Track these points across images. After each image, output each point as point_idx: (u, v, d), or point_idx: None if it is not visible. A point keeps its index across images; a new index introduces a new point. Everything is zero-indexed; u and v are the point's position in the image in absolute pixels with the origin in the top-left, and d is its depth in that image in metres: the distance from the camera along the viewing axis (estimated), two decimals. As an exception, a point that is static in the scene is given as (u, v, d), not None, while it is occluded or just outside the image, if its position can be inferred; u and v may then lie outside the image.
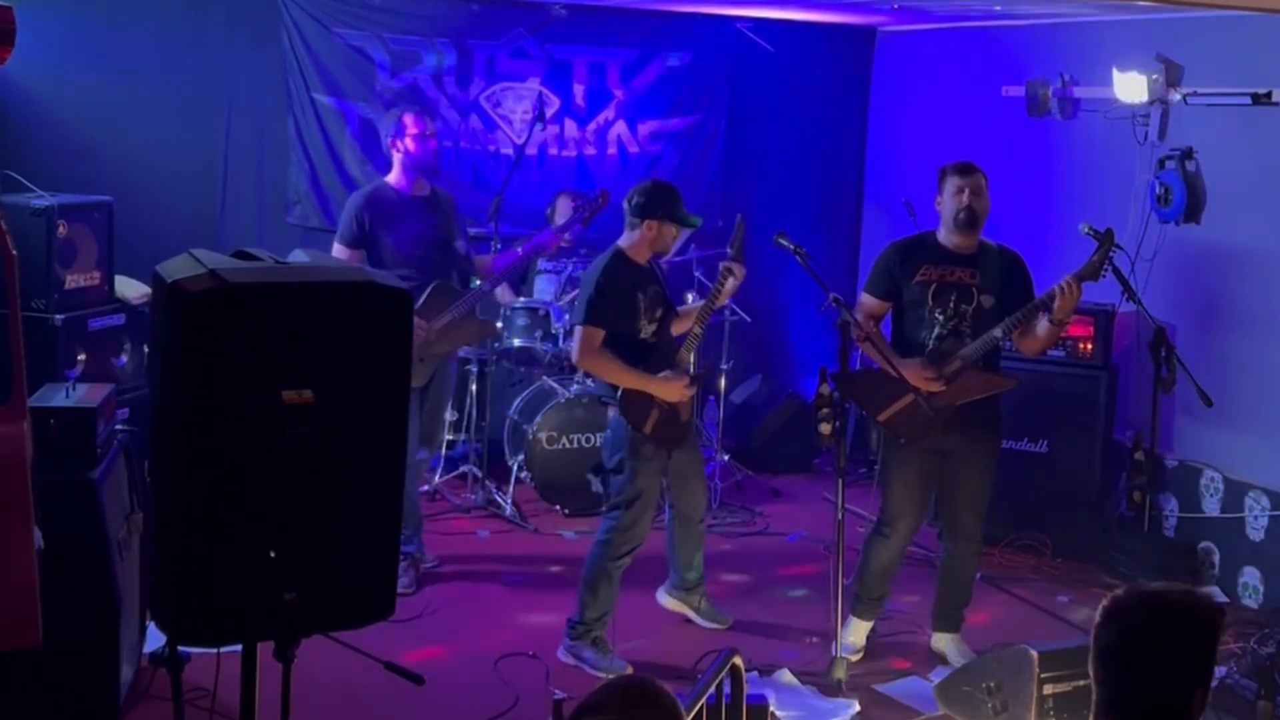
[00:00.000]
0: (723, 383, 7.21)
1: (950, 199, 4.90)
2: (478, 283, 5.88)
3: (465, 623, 5.33)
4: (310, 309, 2.44)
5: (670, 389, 4.91)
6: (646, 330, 4.97)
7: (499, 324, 6.87)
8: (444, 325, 5.55)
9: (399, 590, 5.33)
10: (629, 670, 4.83)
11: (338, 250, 5.55)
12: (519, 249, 6.08)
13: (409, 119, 5.64)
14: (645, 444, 4.91)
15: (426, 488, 6.77)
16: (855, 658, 5.01)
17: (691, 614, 5.36)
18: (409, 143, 5.60)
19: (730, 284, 4.97)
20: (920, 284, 4.93)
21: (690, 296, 6.50)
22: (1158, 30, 6.22)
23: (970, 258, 4.93)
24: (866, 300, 5.08)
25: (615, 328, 4.89)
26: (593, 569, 4.96)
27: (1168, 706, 2.29)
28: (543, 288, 7.12)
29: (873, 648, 5.17)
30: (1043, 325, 4.84)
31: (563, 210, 7.28)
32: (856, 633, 5.12)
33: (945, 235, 4.95)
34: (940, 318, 4.91)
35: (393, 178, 5.69)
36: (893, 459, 5.05)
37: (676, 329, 5.11)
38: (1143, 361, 5.88)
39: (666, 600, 5.41)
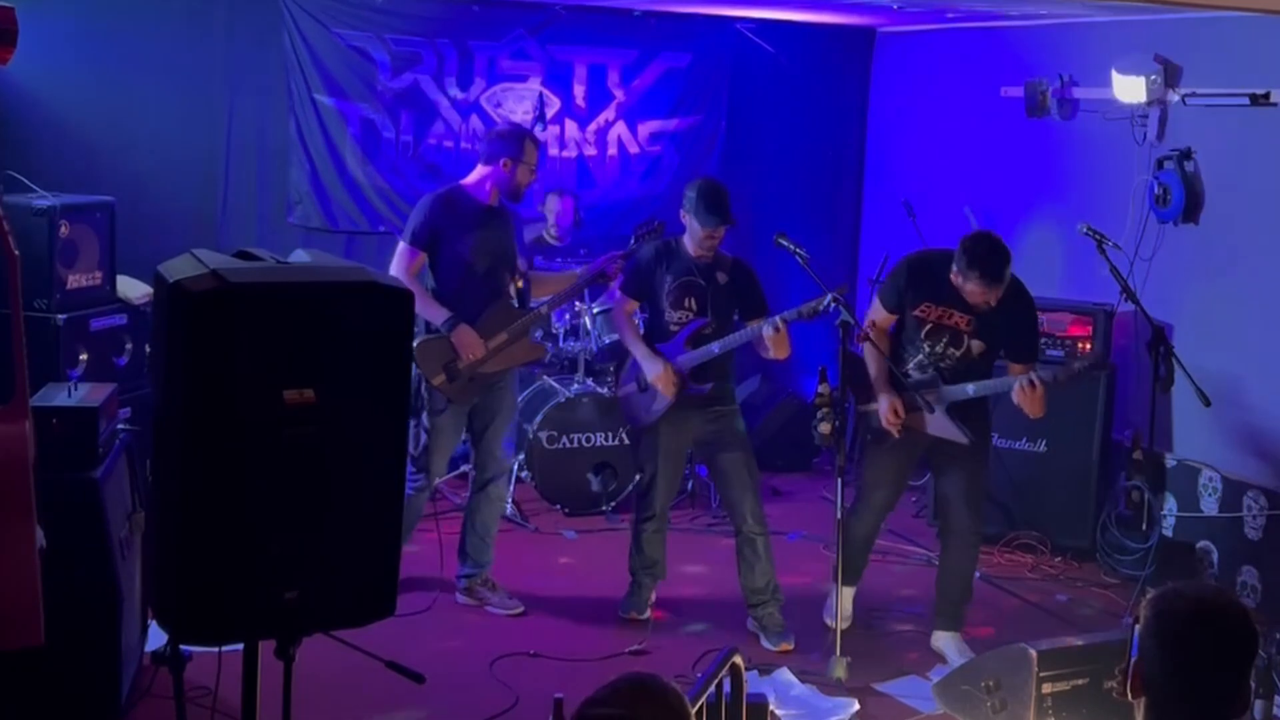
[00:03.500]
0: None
1: (967, 294, 4.84)
2: (542, 307, 5.47)
3: (465, 622, 5.34)
4: (312, 309, 2.46)
5: (649, 364, 5.18)
6: (671, 316, 5.21)
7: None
8: (496, 344, 5.24)
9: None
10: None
11: (401, 249, 5.21)
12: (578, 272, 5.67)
13: (530, 147, 5.24)
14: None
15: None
16: (845, 624, 4.98)
17: (759, 631, 5.26)
18: (523, 172, 5.22)
19: (767, 333, 4.98)
20: (917, 319, 5.01)
21: None
22: (1157, 30, 6.23)
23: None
24: (877, 307, 5.16)
25: (646, 302, 5.32)
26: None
27: (1226, 704, 2.32)
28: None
29: (873, 647, 5.19)
30: None
31: (552, 207, 7.29)
32: (842, 600, 5.04)
33: (957, 279, 4.89)
34: (926, 349, 5.00)
35: (472, 181, 5.29)
36: (872, 439, 5.18)
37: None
38: (1141, 361, 5.89)
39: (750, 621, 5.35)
